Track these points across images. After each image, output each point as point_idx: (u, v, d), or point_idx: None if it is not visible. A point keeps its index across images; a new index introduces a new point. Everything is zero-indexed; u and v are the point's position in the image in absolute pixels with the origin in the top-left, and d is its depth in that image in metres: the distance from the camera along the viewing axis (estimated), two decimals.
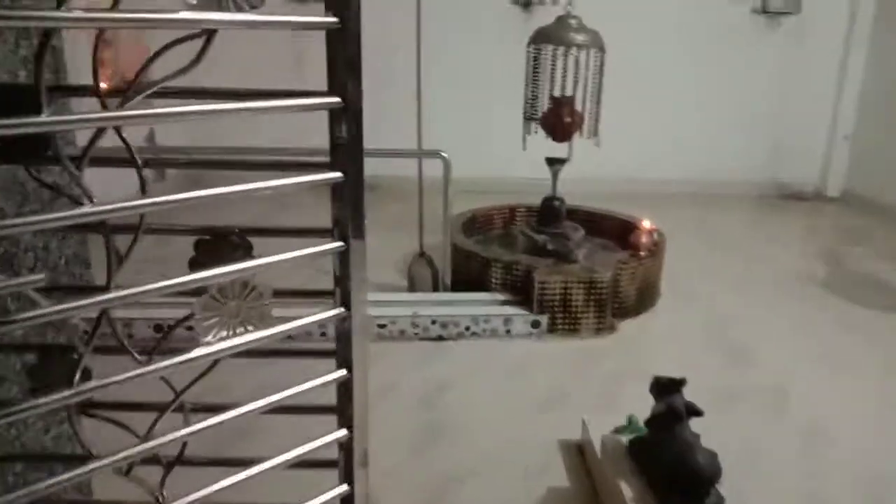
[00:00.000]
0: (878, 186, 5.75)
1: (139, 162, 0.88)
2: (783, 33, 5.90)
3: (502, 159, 4.95)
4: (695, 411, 1.88)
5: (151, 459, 0.93)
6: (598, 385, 2.84)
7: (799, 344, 3.29)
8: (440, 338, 3.20)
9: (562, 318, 3.26)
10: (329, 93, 0.96)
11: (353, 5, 0.91)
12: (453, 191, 3.49)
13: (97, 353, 0.84)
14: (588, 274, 3.26)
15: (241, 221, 1.05)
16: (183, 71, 0.79)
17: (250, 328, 0.92)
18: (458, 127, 5.40)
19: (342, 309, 1.03)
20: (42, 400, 0.76)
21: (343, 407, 1.08)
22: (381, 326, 3.14)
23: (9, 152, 0.90)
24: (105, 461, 0.83)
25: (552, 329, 3.27)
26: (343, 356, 1.05)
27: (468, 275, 3.52)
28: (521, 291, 3.32)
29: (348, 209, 1.00)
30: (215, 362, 0.91)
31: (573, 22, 3.43)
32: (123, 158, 0.87)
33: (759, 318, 3.59)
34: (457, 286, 3.56)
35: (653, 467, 1.91)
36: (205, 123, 5.19)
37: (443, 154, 3.35)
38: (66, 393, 0.79)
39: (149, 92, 0.79)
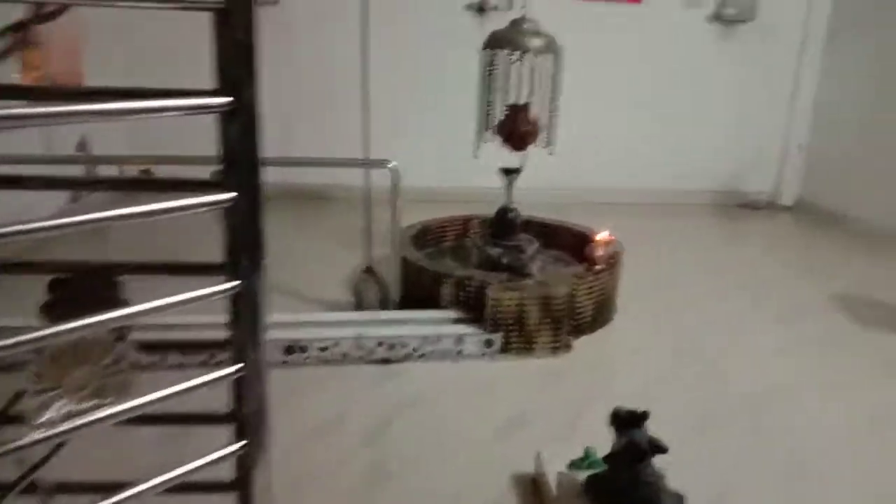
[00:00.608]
0: (832, 195, 5.77)
1: None
2: (738, 41, 5.88)
3: (455, 169, 4.78)
4: (659, 448, 1.72)
5: None
6: (555, 410, 2.67)
7: (767, 361, 3.18)
8: (386, 361, 2.99)
9: (516, 336, 3.09)
10: (218, 92, 0.76)
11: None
12: (404, 201, 3.30)
13: None
14: (543, 290, 3.10)
15: (109, 252, 0.84)
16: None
17: (107, 401, 0.71)
18: (409, 135, 5.21)
19: (240, 365, 0.82)
20: None
21: (243, 484, 0.87)
22: (323, 349, 2.92)
23: None
24: None
25: (506, 348, 3.09)
26: (240, 423, 0.84)
27: (418, 291, 3.32)
28: (474, 308, 3.14)
29: (244, 238, 0.79)
30: (59, 445, 0.69)
31: (528, 26, 3.27)
32: None
33: (720, 332, 3.48)
34: (406, 303, 3.36)
35: None
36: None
37: (391, 165, 3.15)
38: None
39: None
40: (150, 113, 0.74)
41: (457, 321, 3.15)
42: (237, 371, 0.81)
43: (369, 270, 3.46)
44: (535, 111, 3.39)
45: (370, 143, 3.47)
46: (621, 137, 5.91)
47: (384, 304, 3.39)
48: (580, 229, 3.88)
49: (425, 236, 3.90)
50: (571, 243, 3.85)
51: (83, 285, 0.79)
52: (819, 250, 5.04)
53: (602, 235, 3.54)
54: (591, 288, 3.30)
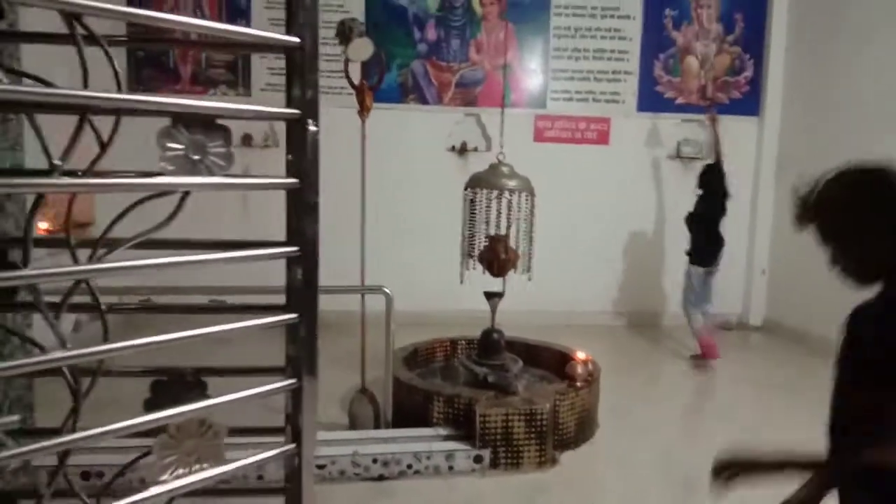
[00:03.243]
0: (795, 315, 6.13)
1: (104, 308, 0.95)
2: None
3: (442, 294, 5.08)
4: None
5: None
6: None
7: None
8: (381, 477, 3.15)
9: (504, 451, 3.27)
10: (287, 242, 1.06)
11: (311, 169, 1.03)
12: (396, 325, 3.57)
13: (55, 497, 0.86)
14: (528, 405, 3.32)
15: (186, 359, 1.11)
16: (160, 226, 0.88)
17: (205, 466, 0.96)
18: (399, 264, 5.57)
19: (293, 445, 1.08)
20: None
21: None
22: (321, 467, 3.08)
23: None
24: None
25: (494, 464, 3.27)
26: (292, 494, 1.08)
27: (410, 409, 3.53)
28: (464, 425, 3.34)
29: (303, 348, 1.07)
30: (170, 501, 0.93)
31: (505, 169, 3.72)
32: (90, 305, 0.94)
33: (699, 446, 3.67)
34: (399, 422, 3.54)
35: None
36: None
37: (385, 289, 3.46)
38: None
39: (126, 246, 0.87)
40: (237, 262, 1.04)
41: (447, 438, 3.34)
42: (292, 450, 1.06)
43: (363, 391, 3.67)
44: (512, 242, 3.76)
45: (365, 272, 3.79)
46: (596, 265, 6.31)
47: (377, 424, 3.57)
48: (560, 349, 4.16)
49: (416, 357, 4.14)
50: (553, 362, 4.11)
51: (177, 384, 1.06)
52: (785, 367, 5.32)
53: (581, 355, 3.81)
54: (573, 404, 3.53)
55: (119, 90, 0.89)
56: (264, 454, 1.03)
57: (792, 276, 6.26)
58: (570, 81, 6.33)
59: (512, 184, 3.64)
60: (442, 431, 3.37)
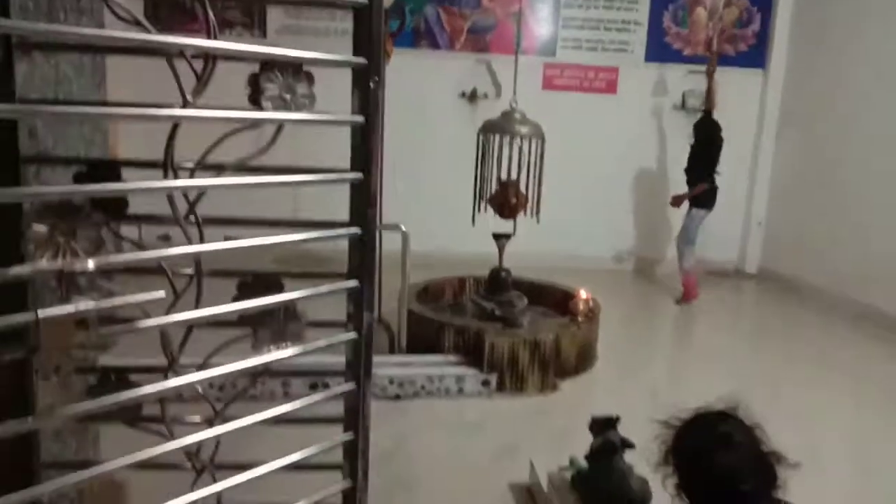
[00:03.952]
0: (789, 264, 6.39)
1: (199, 219, 1.19)
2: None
3: (454, 235, 5.32)
4: (628, 444, 2.19)
5: None
6: (544, 437, 3.13)
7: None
8: (397, 397, 3.45)
9: (509, 377, 3.57)
10: (352, 170, 1.29)
11: (375, 109, 1.25)
12: (409, 264, 3.81)
13: None
14: (533, 336, 3.60)
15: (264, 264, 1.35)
16: (263, 151, 1.11)
17: (289, 345, 1.21)
18: (412, 206, 5.77)
19: (355, 334, 1.33)
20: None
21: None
22: None
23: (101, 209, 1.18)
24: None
25: (500, 388, 3.56)
26: (355, 373, 1.34)
27: (423, 338, 3.80)
28: (473, 353, 3.62)
29: (364, 258, 1.31)
30: (260, 373, 1.19)
31: (517, 115, 3.90)
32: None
33: (688, 379, 3.97)
34: (412, 350, 3.83)
35: (593, 495, 2.21)
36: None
37: (402, 227, 3.69)
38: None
39: (229, 169, 1.10)
40: (313, 184, 1.27)
41: (457, 364, 3.62)
42: (355, 339, 1.31)
43: (379, 320, 3.95)
44: (522, 186, 3.98)
45: (383, 213, 4.00)
46: (601, 210, 6.53)
47: (392, 350, 3.86)
48: (564, 288, 4.42)
49: (427, 293, 4.41)
50: (556, 300, 4.38)
51: (259, 284, 1.31)
52: (774, 314, 5.60)
53: (583, 293, 4.07)
54: (573, 336, 3.81)
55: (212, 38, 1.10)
56: (333, 339, 1.28)
57: (787, 228, 6.49)
58: (580, 30, 6.43)
59: (524, 130, 3.84)
60: (452, 358, 3.66)
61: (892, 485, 2.92)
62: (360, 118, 1.22)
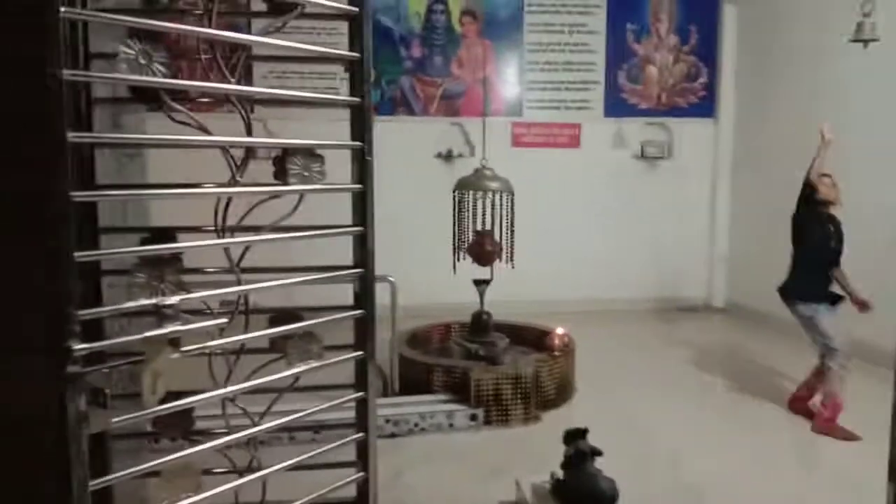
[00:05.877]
0: (755, 297, 6.78)
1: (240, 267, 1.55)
2: (659, 174, 7.13)
3: (437, 286, 5.66)
4: (596, 452, 2.53)
5: None
6: (528, 461, 3.43)
7: (697, 433, 3.99)
8: (393, 435, 3.75)
9: (495, 410, 3.89)
10: (354, 225, 1.67)
11: (370, 178, 1.63)
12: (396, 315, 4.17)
13: None
14: (514, 371, 3.94)
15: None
16: (287, 216, 1.49)
17: (312, 362, 1.56)
18: (395, 261, 6.13)
19: (360, 353, 1.69)
20: None
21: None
22: None
23: None
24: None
25: (487, 421, 3.88)
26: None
27: (414, 380, 4.13)
28: (460, 390, 3.94)
29: (366, 290, 1.68)
30: (295, 379, 1.54)
31: (488, 172, 4.34)
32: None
33: (661, 409, 4.28)
34: (404, 391, 4.14)
35: (569, 498, 2.53)
36: None
37: (390, 278, 4.06)
38: None
39: (267, 229, 1.48)
40: (322, 282, 1.64)
41: (446, 401, 3.94)
42: (361, 356, 1.67)
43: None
44: (496, 236, 4.39)
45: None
46: (571, 255, 6.93)
47: (386, 393, 4.18)
48: (541, 327, 4.78)
49: (415, 339, 4.75)
50: (535, 338, 4.72)
51: (286, 316, 1.67)
52: (744, 345, 5.98)
53: (559, 330, 4.44)
54: (551, 370, 4.15)
55: (248, 135, 1.50)
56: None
57: (751, 262, 6.93)
58: (544, 91, 6.99)
59: (494, 185, 4.27)
60: (442, 397, 3.98)
61: None
62: (359, 186, 1.61)
